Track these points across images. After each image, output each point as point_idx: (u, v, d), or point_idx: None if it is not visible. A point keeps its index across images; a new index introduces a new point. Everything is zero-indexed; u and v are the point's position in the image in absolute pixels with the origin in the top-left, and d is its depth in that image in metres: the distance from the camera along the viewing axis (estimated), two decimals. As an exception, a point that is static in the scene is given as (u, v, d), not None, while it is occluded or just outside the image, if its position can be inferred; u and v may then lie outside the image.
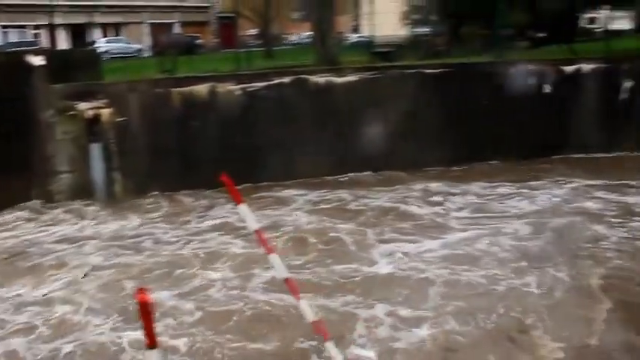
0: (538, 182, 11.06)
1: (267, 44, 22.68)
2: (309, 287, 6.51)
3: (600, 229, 8.35)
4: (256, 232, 4.21)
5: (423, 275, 6.97)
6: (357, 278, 7.02)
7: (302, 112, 11.68)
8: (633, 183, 10.75)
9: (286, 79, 11.67)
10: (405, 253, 7.70)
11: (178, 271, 7.44)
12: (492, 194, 10.49)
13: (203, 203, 10.43)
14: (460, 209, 9.68)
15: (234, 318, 6.12)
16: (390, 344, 5.49)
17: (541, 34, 17.95)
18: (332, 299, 6.45)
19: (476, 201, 10.13)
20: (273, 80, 11.61)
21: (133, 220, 9.66)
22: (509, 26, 15.88)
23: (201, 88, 11.29)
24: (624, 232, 8.29)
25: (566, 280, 6.68)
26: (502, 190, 10.71)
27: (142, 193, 10.79)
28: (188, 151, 11.19)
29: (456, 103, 12.29)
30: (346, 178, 11.64)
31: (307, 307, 4.31)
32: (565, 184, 10.94)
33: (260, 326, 5.94)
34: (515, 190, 10.60)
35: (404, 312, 6.04)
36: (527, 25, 17.74)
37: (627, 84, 13.21)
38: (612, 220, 8.79)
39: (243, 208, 4.10)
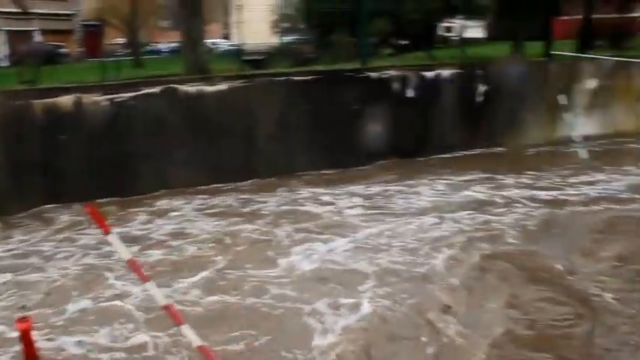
0: (414, 181, 11.79)
1: (135, 53, 22.16)
2: (247, 290, 6.98)
3: (488, 215, 9.54)
4: (129, 261, 4.14)
5: (348, 267, 7.58)
6: (286, 277, 7.38)
7: (173, 122, 11.56)
8: (500, 176, 11.94)
9: (156, 89, 11.51)
10: (322, 250, 8.22)
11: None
12: (377, 194, 11.07)
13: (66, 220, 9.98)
14: (353, 208, 10.17)
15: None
16: (337, 325, 6.09)
17: (403, 42, 18.87)
18: (269, 298, 6.80)
19: (364, 201, 10.66)
20: (142, 90, 11.40)
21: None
22: (374, 34, 16.58)
23: (66, 100, 10.85)
24: (511, 215, 9.53)
25: (463, 257, 7.78)
26: (384, 189, 11.31)
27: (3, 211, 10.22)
28: (54, 165, 10.72)
29: (325, 109, 12.70)
30: (224, 187, 11.65)
31: (190, 332, 4.31)
32: (440, 180, 11.83)
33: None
34: (398, 189, 11.30)
35: (343, 300, 6.60)
36: (390, 34, 18.58)
37: (482, 88, 14.24)
38: (497, 207, 10.03)
39: (113, 239, 4.00)
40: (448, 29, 23.82)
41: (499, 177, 11.95)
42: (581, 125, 15.25)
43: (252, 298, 6.82)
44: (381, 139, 13.11)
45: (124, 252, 4.08)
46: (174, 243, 8.77)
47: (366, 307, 6.45)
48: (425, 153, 13.61)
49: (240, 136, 12.03)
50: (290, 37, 20.63)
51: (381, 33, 17.21)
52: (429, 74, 13.77)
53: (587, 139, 14.46)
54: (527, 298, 6.57)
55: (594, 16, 20.28)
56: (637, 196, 10.60)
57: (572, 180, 11.73)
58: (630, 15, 23.54)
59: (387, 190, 11.25)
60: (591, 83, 15.78)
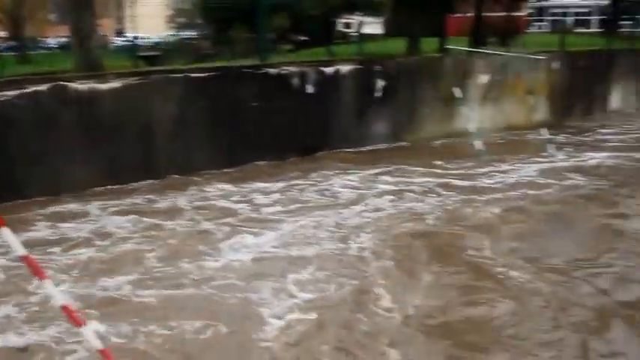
0: (323, 175, 11.87)
1: (20, 48, 20.89)
2: (189, 282, 7.06)
3: (409, 202, 10.10)
4: (23, 258, 3.88)
5: (285, 256, 7.83)
6: (227, 269, 7.45)
7: (64, 122, 10.93)
8: (410, 167, 12.38)
9: (44, 87, 10.84)
10: (255, 242, 8.31)
11: None
12: (287, 189, 11.03)
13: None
14: (270, 205, 10.08)
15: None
16: (285, 310, 6.38)
17: (302, 38, 18.87)
18: (214, 289, 6.91)
19: (280, 195, 10.60)
20: (28, 88, 10.71)
21: None
22: (273, 30, 16.44)
23: (-59, 99, 10.04)
24: (430, 201, 10.20)
25: (392, 240, 8.32)
26: (294, 184, 11.30)
27: None
28: None
29: (224, 106, 12.45)
30: (123, 187, 11.15)
31: (92, 335, 4.10)
32: (351, 173, 12.04)
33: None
34: (309, 183, 11.35)
35: (290, 287, 6.87)
36: (289, 29, 18.51)
37: (380, 83, 14.45)
38: (416, 194, 10.55)
39: (6, 233, 3.75)
40: (347, 25, 24.06)
41: (410, 168, 12.36)
42: (476, 118, 15.81)
43: (194, 289, 6.90)
44: (282, 135, 13.04)
45: (19, 248, 3.80)
46: (99, 242, 8.42)
47: (311, 291, 6.76)
48: (326, 149, 13.67)
49: (136, 135, 11.58)
50: (187, 33, 20.15)
51: (279, 29, 17.10)
52: (329, 70, 13.81)
53: (482, 131, 14.99)
54: (447, 278, 7.12)
55: (485, 14, 21.08)
56: (551, 180, 11.43)
57: (482, 170, 12.35)
58: (517, 14, 24.70)
59: (297, 185, 11.26)
60: (484, 78, 16.41)
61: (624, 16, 30.66)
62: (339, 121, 13.96)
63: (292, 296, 6.66)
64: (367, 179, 11.66)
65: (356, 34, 18.63)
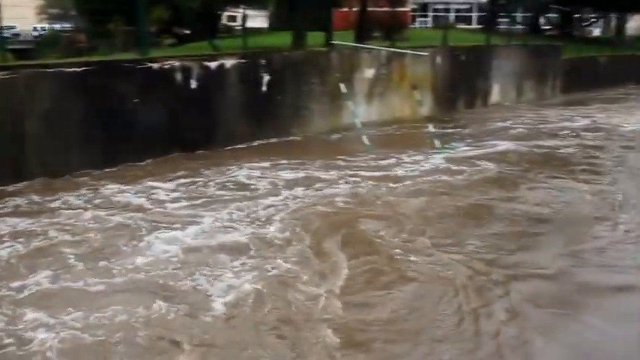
0: (218, 170, 11.48)
1: None
2: (121, 274, 6.87)
3: (322, 190, 10.26)
4: None
5: (215, 246, 7.76)
6: (161, 260, 7.29)
7: None
8: (309, 161, 12.21)
9: None
10: (181, 234, 8.13)
11: None
12: (185, 185, 10.53)
13: None
14: (175, 201, 9.65)
15: None
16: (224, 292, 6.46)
17: (185, 31, 18.26)
18: (151, 278, 6.78)
19: (181, 192, 10.13)
20: None
21: None
22: (154, 23, 15.74)
23: None
24: (344, 187, 10.45)
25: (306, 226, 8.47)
26: (191, 180, 10.80)
27: None
28: None
29: (102, 102, 11.67)
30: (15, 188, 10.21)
31: None
32: (248, 168, 11.72)
33: None
34: (208, 179, 10.92)
35: (223, 272, 6.93)
36: (171, 22, 17.85)
37: (266, 77, 14.16)
38: (328, 183, 10.74)
39: None
40: (231, 18, 23.59)
41: (309, 161, 12.18)
42: (362, 113, 15.90)
43: (130, 280, 6.75)
44: (165, 133, 12.44)
45: None
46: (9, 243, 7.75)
47: (246, 275, 6.85)
48: (212, 145, 13.18)
49: (5, 135, 10.62)
50: (61, 25, 18.95)
51: (160, 21, 16.42)
52: (213, 64, 13.34)
53: (369, 125, 15.10)
54: (359, 259, 7.40)
55: (370, 9, 21.30)
56: (454, 166, 11.94)
57: (389, 161, 12.48)
58: (402, 9, 25.17)
59: (196, 180, 10.80)
60: (370, 72, 16.53)
61: (502, 14, 32.09)
62: (224, 117, 13.53)
63: (227, 280, 6.74)
64: (269, 172, 11.48)
65: (241, 27, 18.23)
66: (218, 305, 6.16)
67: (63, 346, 5.32)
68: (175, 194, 10.06)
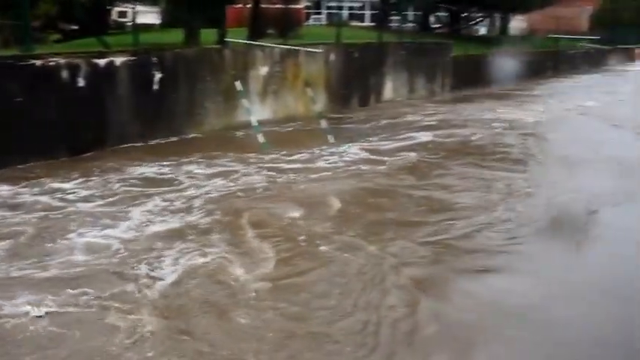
0: (121, 170, 11.27)
1: None
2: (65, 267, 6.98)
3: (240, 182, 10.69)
4: None
5: (149, 236, 8.00)
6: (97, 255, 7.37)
7: None
8: (220, 157, 12.36)
9: None
10: (110, 231, 8.15)
11: None
12: (93, 186, 10.23)
13: None
14: (89, 200, 9.47)
15: None
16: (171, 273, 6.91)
17: (72, 27, 17.56)
18: (102, 264, 7.11)
19: (91, 192, 9.90)
20: None
21: None
22: (37, 17, 15.04)
23: None
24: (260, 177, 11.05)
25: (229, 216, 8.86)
26: (93, 180, 10.56)
27: None
28: None
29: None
30: None
31: None
32: (155, 165, 11.68)
33: None
34: (116, 178, 10.72)
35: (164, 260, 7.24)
36: (57, 17, 17.11)
37: (159, 75, 13.90)
38: (244, 175, 11.19)
39: None
40: (122, 14, 22.90)
41: (219, 158, 12.31)
42: (257, 111, 15.93)
43: (74, 269, 6.92)
44: (52, 133, 11.94)
45: None
46: None
47: (180, 262, 7.17)
48: (104, 146, 12.79)
49: None
50: None
51: (45, 16, 15.71)
52: (102, 62, 12.93)
53: (264, 123, 15.16)
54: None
55: (263, 5, 21.29)
56: (344, 161, 12.44)
57: (284, 157, 12.70)
58: (296, 6, 25.33)
59: (103, 180, 10.57)
60: (264, 70, 16.57)
61: (393, 12, 32.97)
62: (115, 117, 13.14)
63: (167, 267, 7.06)
64: (179, 167, 11.54)
65: (131, 23, 17.77)
66: (164, 284, 6.60)
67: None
68: (84, 193, 9.82)
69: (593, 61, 43.33)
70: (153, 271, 6.92)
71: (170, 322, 5.86)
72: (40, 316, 5.80)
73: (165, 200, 9.51)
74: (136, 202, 9.44)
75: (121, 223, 8.47)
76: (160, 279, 6.73)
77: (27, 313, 5.84)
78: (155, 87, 13.87)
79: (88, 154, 12.36)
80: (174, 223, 8.54)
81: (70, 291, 6.34)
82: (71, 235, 7.95)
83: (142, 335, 5.57)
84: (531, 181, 11.34)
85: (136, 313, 5.97)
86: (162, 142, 13.77)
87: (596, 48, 45.19)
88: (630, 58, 55.26)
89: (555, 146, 15.45)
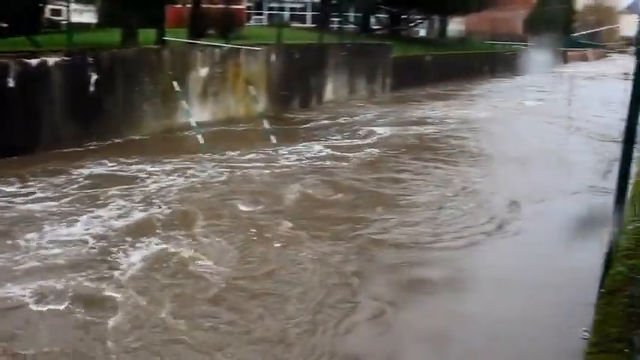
0: (66, 171, 11.06)
1: None
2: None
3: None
4: None
5: (117, 230, 8.23)
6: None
7: None
8: (163, 159, 12.16)
9: None
10: (74, 230, 8.22)
11: None
12: (40, 190, 9.99)
13: None
14: (45, 200, 9.38)
15: None
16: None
17: (2, 24, 16.83)
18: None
19: (41, 194, 9.74)
20: None
21: None
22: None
23: None
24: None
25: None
26: (39, 183, 10.27)
27: None
28: None
29: None
30: None
31: None
32: (101, 165, 11.65)
33: None
34: (55, 181, 10.46)
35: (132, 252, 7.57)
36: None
37: (95, 77, 13.45)
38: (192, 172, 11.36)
39: None
40: (57, 12, 22.11)
41: (164, 160, 12.13)
42: (197, 112, 15.66)
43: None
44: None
45: None
46: None
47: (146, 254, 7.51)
48: (37, 149, 12.27)
49: None
50: None
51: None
52: (34, 62, 12.42)
53: (205, 124, 14.90)
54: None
55: (204, 5, 20.97)
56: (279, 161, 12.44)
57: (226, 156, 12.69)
58: (237, 6, 25.07)
59: (43, 184, 10.27)
60: (204, 71, 16.29)
61: (334, 13, 33.09)
62: (49, 119, 12.63)
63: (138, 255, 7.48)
64: (128, 168, 11.45)
65: (66, 22, 17.19)
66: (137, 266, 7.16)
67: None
68: (36, 196, 9.62)
69: (528, 63, 44.49)
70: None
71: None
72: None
73: (128, 195, 9.68)
74: (101, 198, 9.53)
75: (86, 217, 8.64)
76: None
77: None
78: (91, 89, 13.40)
79: (21, 157, 11.82)
80: (146, 213, 8.93)
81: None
82: (41, 233, 8.00)
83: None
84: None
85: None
86: (100, 145, 13.27)
87: (530, 50, 46.51)
88: (564, 60, 57.23)
89: (496, 143, 16.03)
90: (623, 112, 5.30)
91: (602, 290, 4.28)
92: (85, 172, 11.13)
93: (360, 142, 15.17)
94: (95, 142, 13.30)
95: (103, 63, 13.69)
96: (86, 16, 23.02)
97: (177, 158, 12.31)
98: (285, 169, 11.95)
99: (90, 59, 13.42)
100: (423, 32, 48.16)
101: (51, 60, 12.70)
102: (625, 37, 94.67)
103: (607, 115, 18.27)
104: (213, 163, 12.09)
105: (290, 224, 8.66)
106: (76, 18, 20.64)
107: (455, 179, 11.69)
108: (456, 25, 47.41)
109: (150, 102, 14.73)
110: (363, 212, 9.42)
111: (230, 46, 17.29)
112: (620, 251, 4.70)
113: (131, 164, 11.76)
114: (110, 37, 16.22)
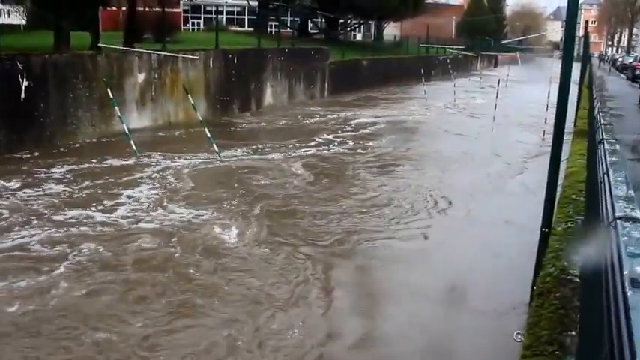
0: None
1: None
2: None
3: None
4: None
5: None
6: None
7: None
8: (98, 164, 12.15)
9: None
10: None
11: None
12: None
13: None
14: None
15: None
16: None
17: None
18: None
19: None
20: None
21: None
22: None
23: None
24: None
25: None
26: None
27: None
28: None
29: None
30: None
31: None
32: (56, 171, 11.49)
33: None
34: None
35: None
36: None
37: (26, 83, 13.01)
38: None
39: None
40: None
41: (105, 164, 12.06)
42: (135, 118, 15.42)
43: None
44: None
45: None
46: None
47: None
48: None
49: None
50: None
51: None
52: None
53: (142, 131, 14.67)
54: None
55: (139, 8, 20.66)
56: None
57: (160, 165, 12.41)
58: (173, 10, 24.80)
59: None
60: (141, 77, 16.04)
61: (272, 17, 33.12)
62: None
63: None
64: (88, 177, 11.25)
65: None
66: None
67: None
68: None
69: (461, 67, 45.64)
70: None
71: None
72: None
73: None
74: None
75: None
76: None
77: None
78: (22, 95, 12.95)
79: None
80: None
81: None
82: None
83: None
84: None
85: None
86: (32, 154, 12.84)
87: (463, 54, 47.71)
88: (494, 63, 59.04)
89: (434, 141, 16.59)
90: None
91: (534, 291, 4.45)
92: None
93: (299, 149, 15.13)
94: (27, 152, 12.80)
95: (34, 69, 13.22)
96: (14, 17, 22.23)
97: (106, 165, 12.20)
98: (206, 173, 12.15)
99: (20, 65, 12.95)
100: (359, 36, 48.71)
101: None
102: (551, 42, 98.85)
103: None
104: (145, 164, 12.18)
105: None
106: (2, 19, 19.97)
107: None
108: (391, 30, 48.15)
109: (85, 109, 14.39)
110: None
111: (166, 53, 17.03)
112: (550, 252, 4.88)
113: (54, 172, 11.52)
114: (41, 41, 15.78)
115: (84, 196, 10.05)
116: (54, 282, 6.72)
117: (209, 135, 13.34)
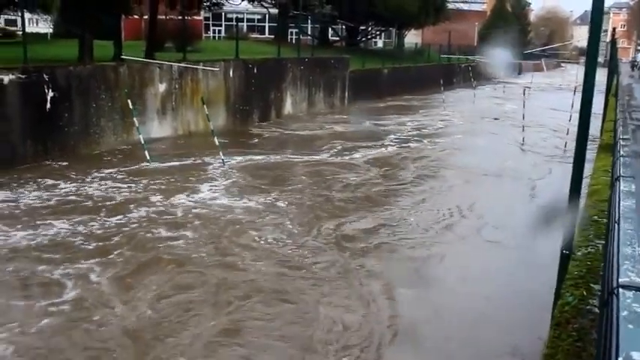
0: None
1: None
2: None
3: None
4: None
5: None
6: None
7: None
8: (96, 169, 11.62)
9: None
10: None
11: None
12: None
13: None
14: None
15: None
16: None
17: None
18: None
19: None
20: None
21: None
22: None
23: None
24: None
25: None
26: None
27: None
28: None
29: None
30: None
31: None
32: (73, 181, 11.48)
33: None
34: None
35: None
36: None
37: (51, 94, 13.15)
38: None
39: None
40: (10, 22, 21.67)
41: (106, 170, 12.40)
42: (155, 128, 15.57)
43: None
44: None
45: None
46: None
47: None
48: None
49: None
50: None
51: None
52: (-13, 80, 12.14)
53: (162, 140, 14.80)
54: None
55: (161, 17, 20.81)
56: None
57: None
58: (194, 18, 24.98)
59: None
60: (162, 87, 16.19)
61: (292, 25, 33.19)
62: (4, 138, 12.32)
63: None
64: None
65: (19, 33, 16.81)
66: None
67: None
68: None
69: (483, 74, 45.34)
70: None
71: None
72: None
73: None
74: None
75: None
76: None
77: None
78: (47, 106, 13.15)
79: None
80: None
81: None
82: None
83: None
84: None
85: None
86: (58, 163, 13.02)
87: (485, 62, 47.34)
88: (518, 70, 58.56)
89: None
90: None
91: (552, 321, 4.41)
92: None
93: (314, 156, 15.21)
94: (53, 161, 13.01)
95: (59, 80, 13.44)
96: (42, 25, 22.56)
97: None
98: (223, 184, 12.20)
99: (46, 77, 13.15)
100: (380, 44, 48.67)
101: (6, 78, 12.36)
102: (578, 48, 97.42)
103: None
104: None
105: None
106: (31, 28, 20.25)
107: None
108: (412, 37, 48.05)
109: (107, 118, 14.58)
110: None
111: (187, 65, 17.15)
112: (569, 279, 4.79)
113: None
114: (66, 52, 15.99)
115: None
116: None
117: (217, 143, 13.64)
